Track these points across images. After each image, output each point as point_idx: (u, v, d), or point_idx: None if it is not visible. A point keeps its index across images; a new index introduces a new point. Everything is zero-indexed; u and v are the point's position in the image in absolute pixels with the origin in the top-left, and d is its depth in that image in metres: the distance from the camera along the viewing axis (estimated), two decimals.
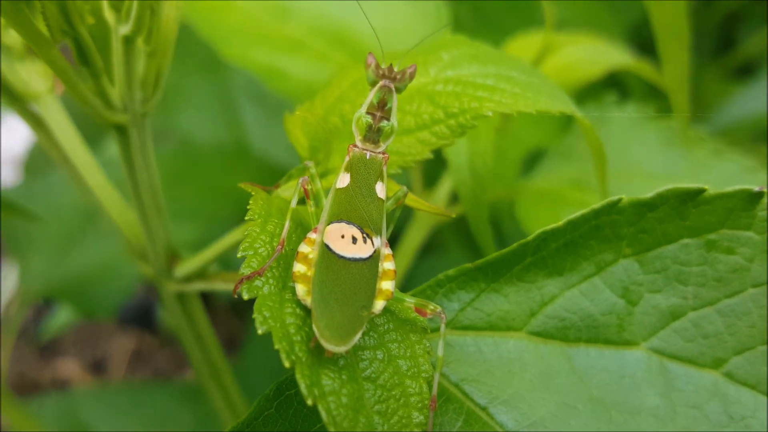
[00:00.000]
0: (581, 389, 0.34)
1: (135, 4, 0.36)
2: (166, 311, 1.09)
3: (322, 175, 0.37)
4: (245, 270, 0.31)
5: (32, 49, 0.37)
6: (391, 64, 0.34)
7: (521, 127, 0.65)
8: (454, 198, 0.59)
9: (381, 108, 0.34)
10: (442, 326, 0.32)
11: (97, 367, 1.18)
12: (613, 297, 0.35)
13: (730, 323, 0.33)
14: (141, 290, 1.14)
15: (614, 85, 0.76)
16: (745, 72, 0.98)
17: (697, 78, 0.91)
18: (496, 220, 0.70)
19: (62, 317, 1.09)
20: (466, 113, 0.37)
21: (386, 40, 0.43)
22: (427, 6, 0.63)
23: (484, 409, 0.34)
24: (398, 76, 0.34)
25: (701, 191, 0.34)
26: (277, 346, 0.28)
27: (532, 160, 0.64)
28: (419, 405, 0.31)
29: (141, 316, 1.19)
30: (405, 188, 0.35)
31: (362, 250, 0.32)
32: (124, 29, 0.37)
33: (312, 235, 0.32)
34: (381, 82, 0.34)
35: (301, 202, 0.34)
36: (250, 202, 0.33)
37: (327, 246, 0.32)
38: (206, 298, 0.99)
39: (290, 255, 0.32)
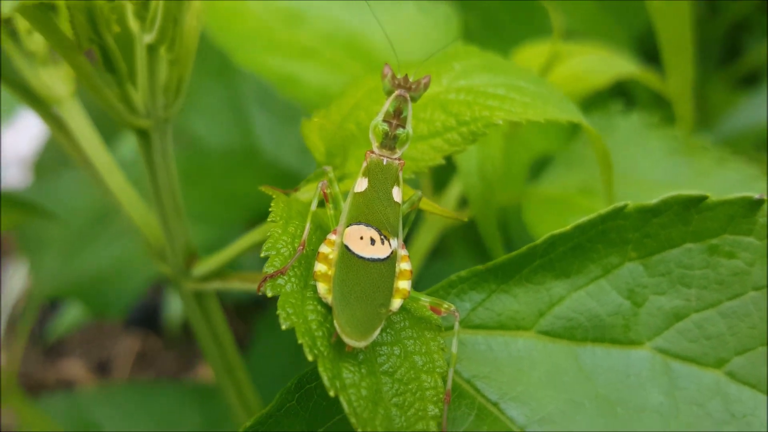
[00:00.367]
0: (588, 387, 0.35)
1: (159, 14, 0.38)
2: (179, 309, 1.10)
3: (339, 180, 0.38)
4: (269, 269, 0.32)
5: (60, 55, 0.38)
6: (406, 75, 0.36)
7: (529, 134, 0.66)
8: (462, 202, 0.60)
9: (397, 116, 0.35)
10: (456, 324, 0.34)
11: (102, 368, 1.19)
12: (619, 298, 0.36)
13: (732, 324, 0.35)
14: (147, 292, 1.15)
15: (620, 94, 0.77)
16: (750, 81, 0.99)
17: (703, 87, 0.92)
18: (504, 225, 0.71)
19: (69, 318, 1.10)
20: (478, 121, 0.38)
21: (397, 47, 0.44)
22: (437, 14, 0.64)
23: (495, 404, 0.35)
24: (413, 86, 0.36)
25: (704, 198, 0.35)
26: (300, 341, 0.30)
27: (540, 166, 0.65)
28: (434, 398, 0.32)
29: (146, 317, 1.20)
30: (419, 192, 0.37)
31: (380, 251, 0.33)
32: (149, 38, 0.39)
33: (332, 237, 0.34)
34: (397, 92, 0.35)
35: (320, 204, 0.35)
36: (272, 204, 0.34)
37: (347, 247, 0.33)
38: None
39: (311, 255, 0.34)
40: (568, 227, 0.36)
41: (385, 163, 0.35)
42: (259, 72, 0.62)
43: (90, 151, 0.47)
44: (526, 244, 0.37)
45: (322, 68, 0.62)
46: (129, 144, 0.99)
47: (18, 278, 1.21)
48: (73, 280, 0.89)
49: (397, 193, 0.35)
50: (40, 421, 0.77)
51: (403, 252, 0.35)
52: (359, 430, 0.29)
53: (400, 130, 0.35)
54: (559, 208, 0.58)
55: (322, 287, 0.32)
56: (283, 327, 0.30)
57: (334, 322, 0.31)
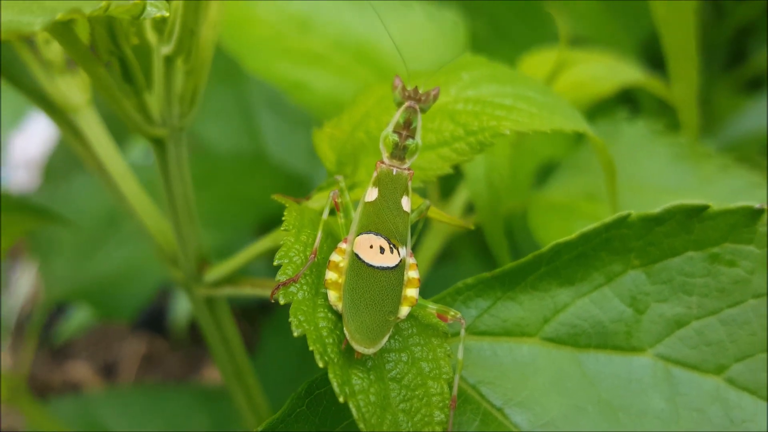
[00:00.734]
0: (591, 392, 0.36)
1: (177, 26, 0.39)
2: (187, 313, 1.11)
3: (350, 189, 0.39)
4: (281, 277, 0.33)
5: (80, 66, 0.39)
6: (416, 87, 0.37)
7: (535, 141, 0.67)
8: (469, 209, 0.61)
9: (407, 127, 0.36)
10: (462, 331, 0.34)
11: (108, 371, 1.20)
12: (622, 306, 0.37)
13: (732, 332, 0.35)
14: (153, 295, 1.15)
15: (626, 100, 0.77)
16: (756, 86, 0.99)
17: (709, 91, 0.92)
18: (509, 231, 0.72)
19: (76, 321, 1.11)
20: (485, 131, 0.39)
21: (405, 53, 0.45)
22: (445, 21, 0.65)
23: (499, 410, 0.36)
24: (423, 98, 0.36)
25: (705, 207, 0.35)
26: (311, 348, 0.31)
27: (546, 173, 0.66)
28: (440, 404, 0.33)
29: (153, 320, 1.20)
30: (428, 202, 0.38)
31: (389, 260, 0.34)
32: (166, 49, 0.40)
33: (342, 245, 0.35)
34: (407, 103, 0.36)
35: (331, 213, 0.36)
36: (285, 213, 0.35)
37: (357, 255, 0.34)
38: None
39: (322, 263, 0.35)
40: (573, 236, 0.37)
41: (394, 173, 0.36)
42: (268, 78, 0.63)
43: (105, 158, 0.48)
44: (532, 250, 0.37)
45: (331, 74, 0.63)
46: (139, 149, 1.00)
47: (27, 280, 1.22)
48: (82, 284, 0.89)
49: (406, 203, 0.36)
50: (48, 422, 0.78)
51: (411, 260, 0.35)
52: None
53: (409, 141, 0.36)
54: (564, 214, 0.59)
55: (332, 295, 0.33)
56: (295, 334, 0.31)
57: (344, 329, 0.32)
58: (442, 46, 0.64)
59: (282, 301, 0.32)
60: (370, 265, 0.34)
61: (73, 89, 0.48)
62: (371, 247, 0.34)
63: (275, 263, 0.33)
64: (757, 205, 0.35)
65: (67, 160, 1.01)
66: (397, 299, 0.34)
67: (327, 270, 0.34)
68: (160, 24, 0.39)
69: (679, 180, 0.58)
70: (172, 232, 0.48)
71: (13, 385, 0.76)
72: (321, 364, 0.31)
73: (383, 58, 0.63)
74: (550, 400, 0.36)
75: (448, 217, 0.39)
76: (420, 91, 0.37)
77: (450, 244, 0.74)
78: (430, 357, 0.34)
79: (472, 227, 0.41)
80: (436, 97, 0.37)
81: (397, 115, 0.36)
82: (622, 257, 0.37)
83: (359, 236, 0.35)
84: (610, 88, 0.60)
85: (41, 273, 0.93)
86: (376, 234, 0.35)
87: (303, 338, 0.31)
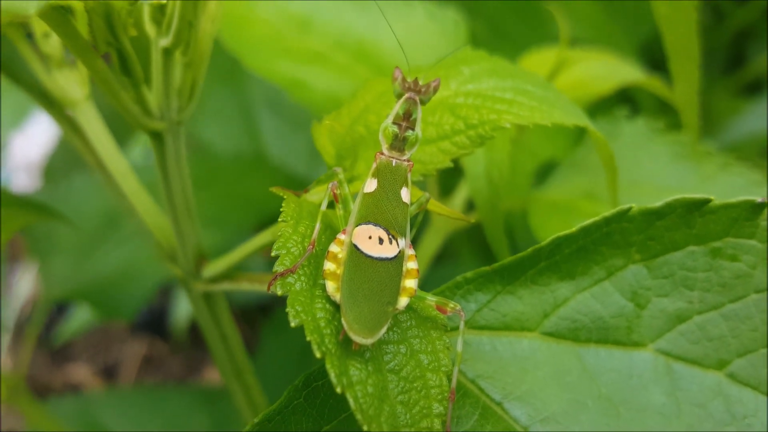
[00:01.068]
0: (591, 387, 0.36)
1: (175, 18, 0.39)
2: (188, 312, 1.11)
3: (349, 181, 0.39)
4: (279, 267, 0.33)
5: (78, 58, 0.39)
6: (416, 78, 0.37)
7: (536, 140, 0.67)
8: (469, 207, 0.61)
9: (406, 119, 0.36)
10: (461, 324, 0.34)
11: (109, 372, 1.20)
12: (623, 300, 0.36)
13: (734, 327, 0.35)
14: (154, 296, 1.15)
15: (626, 101, 0.77)
16: (755, 89, 0.99)
17: (708, 94, 0.92)
18: (509, 229, 0.72)
19: (76, 322, 1.11)
20: (486, 125, 0.39)
21: (406, 53, 0.45)
22: (445, 20, 0.65)
23: (499, 404, 0.36)
24: (423, 89, 0.36)
25: (707, 201, 0.35)
26: (309, 338, 0.30)
27: (546, 172, 0.66)
28: (439, 397, 0.33)
29: (153, 322, 1.20)
30: (427, 194, 0.38)
31: (388, 251, 0.34)
32: (164, 42, 0.40)
33: (341, 236, 0.34)
34: (407, 95, 0.36)
35: (330, 205, 0.36)
36: (283, 205, 0.35)
37: (356, 246, 0.34)
38: None
39: (320, 255, 0.34)
40: (574, 229, 0.36)
41: (394, 164, 0.36)
42: (269, 77, 0.63)
43: (104, 153, 0.48)
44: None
45: (332, 73, 0.63)
46: (140, 147, 1.00)
47: (27, 281, 1.22)
48: (82, 284, 0.89)
49: (405, 194, 0.36)
50: (48, 423, 0.77)
51: (410, 251, 0.35)
52: (365, 427, 0.30)
53: (409, 132, 0.36)
54: (564, 213, 0.59)
55: (330, 285, 0.33)
56: (292, 324, 0.31)
57: (342, 319, 0.32)
58: (443, 46, 0.64)
59: (279, 292, 0.32)
60: (369, 256, 0.34)
61: (72, 83, 0.48)
62: (370, 237, 0.34)
63: (273, 254, 0.33)
64: (759, 199, 0.35)
65: (67, 160, 1.02)
66: (396, 290, 0.34)
67: (325, 260, 0.34)
68: (158, 15, 0.39)
69: (679, 178, 0.58)
70: (170, 228, 0.47)
71: (11, 385, 0.76)
72: (318, 355, 0.30)
73: (383, 57, 0.63)
74: (549, 395, 0.36)
75: (448, 209, 0.39)
76: (420, 83, 0.36)
77: (450, 243, 0.74)
78: (429, 349, 0.34)
79: (472, 221, 0.40)
80: (436, 89, 0.36)
81: (397, 107, 0.36)
82: (623, 251, 0.36)
83: (358, 227, 0.35)
84: (610, 87, 0.60)
85: (41, 273, 0.93)
86: (375, 225, 0.35)
87: (303, 338, 0.31)
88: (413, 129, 0.36)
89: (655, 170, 0.59)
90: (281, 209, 0.35)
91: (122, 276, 0.89)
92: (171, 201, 0.45)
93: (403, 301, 0.34)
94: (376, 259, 0.34)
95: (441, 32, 0.65)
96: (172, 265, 0.49)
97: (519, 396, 0.36)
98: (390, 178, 0.36)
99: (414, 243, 0.37)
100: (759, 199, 0.35)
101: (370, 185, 0.36)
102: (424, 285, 0.37)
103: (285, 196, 0.36)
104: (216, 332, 0.51)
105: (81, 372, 1.19)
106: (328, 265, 0.33)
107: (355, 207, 0.36)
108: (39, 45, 0.47)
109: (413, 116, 0.36)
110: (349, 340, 0.32)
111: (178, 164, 0.44)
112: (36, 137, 1.26)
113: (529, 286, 0.37)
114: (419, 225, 0.40)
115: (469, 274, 0.37)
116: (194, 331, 1.16)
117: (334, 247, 0.34)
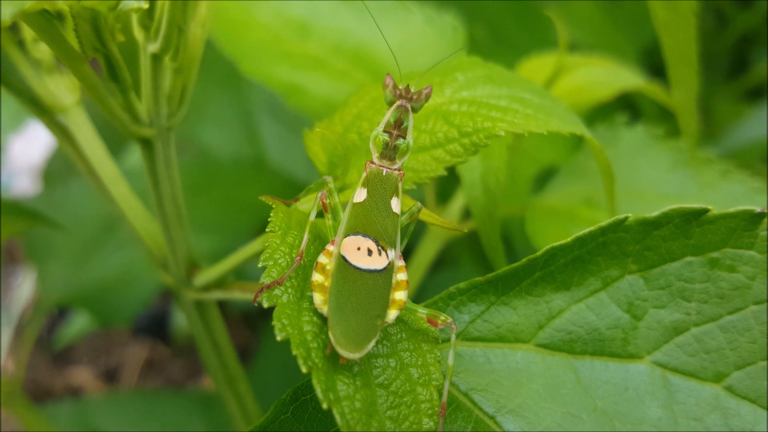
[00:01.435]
0: (586, 400, 0.35)
1: (164, 23, 0.38)
2: (186, 319, 1.10)
3: (340, 190, 0.38)
4: (265, 279, 0.32)
5: (65, 64, 0.38)
6: (408, 85, 0.36)
7: (534, 146, 0.66)
8: (466, 213, 0.60)
9: (398, 127, 0.35)
10: (453, 336, 0.34)
11: (110, 376, 1.20)
12: (619, 312, 0.36)
13: (732, 339, 0.34)
14: (155, 300, 1.15)
15: (626, 106, 0.77)
16: (757, 95, 0.99)
17: (710, 100, 0.92)
18: (507, 236, 0.71)
19: (77, 326, 1.10)
20: (480, 132, 0.38)
21: (405, 58, 0.44)
22: (444, 25, 0.65)
23: (492, 417, 0.35)
24: (414, 97, 0.36)
25: (705, 211, 0.35)
26: (294, 352, 0.30)
27: (544, 178, 0.65)
28: (429, 412, 0.32)
29: (154, 325, 1.20)
30: (419, 204, 0.37)
31: (377, 262, 0.33)
32: (153, 47, 0.39)
33: (330, 247, 0.34)
34: (398, 102, 0.35)
35: (320, 215, 0.35)
36: (271, 214, 0.35)
37: (344, 257, 0.33)
38: (220, 308, 1.01)
39: (308, 266, 0.34)
40: (569, 239, 0.36)
41: (384, 173, 0.35)
42: (267, 82, 0.62)
43: (94, 159, 0.48)
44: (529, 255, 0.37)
45: (329, 78, 0.63)
46: (136, 154, 1.00)
47: (26, 286, 1.21)
48: (80, 289, 0.89)
49: (395, 204, 0.35)
50: (45, 427, 0.77)
51: (400, 263, 0.34)
52: None
53: (400, 141, 0.35)
54: (562, 220, 0.58)
55: (318, 298, 0.32)
56: (279, 338, 0.30)
57: (329, 333, 0.31)
58: (441, 51, 0.63)
59: (265, 305, 0.31)
60: (357, 268, 0.33)
61: (62, 89, 0.47)
62: (358, 249, 0.33)
63: (259, 265, 0.32)
64: (758, 209, 0.34)
65: (66, 165, 1.01)
66: (385, 303, 0.33)
67: (313, 272, 0.33)
68: (146, 20, 0.38)
69: (679, 186, 0.57)
70: (161, 236, 0.47)
71: (9, 389, 0.76)
72: (304, 369, 0.30)
73: (382, 63, 0.63)
74: (544, 408, 0.35)
75: (441, 219, 0.38)
76: (412, 90, 0.36)
77: (449, 250, 0.74)
78: (419, 363, 0.33)
79: (466, 230, 0.40)
80: (428, 96, 0.36)
81: (388, 114, 0.35)
82: (619, 262, 0.36)
83: (347, 238, 0.34)
84: (610, 93, 0.60)
85: (38, 278, 0.92)
86: (364, 236, 0.34)
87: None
88: (404, 137, 0.35)
89: (655, 177, 0.58)
90: (269, 219, 0.34)
91: (120, 281, 0.89)
92: (161, 208, 0.45)
93: (392, 314, 0.33)
94: (365, 270, 0.33)
95: (439, 37, 0.64)
96: (164, 273, 0.49)
97: (512, 409, 0.35)
98: (380, 188, 0.35)
99: (410, 250, 0.36)
100: (758, 209, 0.34)
101: (360, 195, 0.35)
102: (423, 291, 0.36)
103: (274, 205, 0.36)
104: (208, 340, 0.50)
105: (83, 375, 1.19)
106: (316, 277, 0.33)
107: (344, 217, 0.35)
108: (29, 50, 0.46)
109: (404, 124, 0.35)
110: (337, 354, 0.31)
111: (168, 171, 0.44)
112: (38, 140, 1.26)
113: (523, 296, 0.37)
114: (416, 231, 0.39)
115: (462, 285, 0.37)
116: None
117: (322, 258, 0.33)
